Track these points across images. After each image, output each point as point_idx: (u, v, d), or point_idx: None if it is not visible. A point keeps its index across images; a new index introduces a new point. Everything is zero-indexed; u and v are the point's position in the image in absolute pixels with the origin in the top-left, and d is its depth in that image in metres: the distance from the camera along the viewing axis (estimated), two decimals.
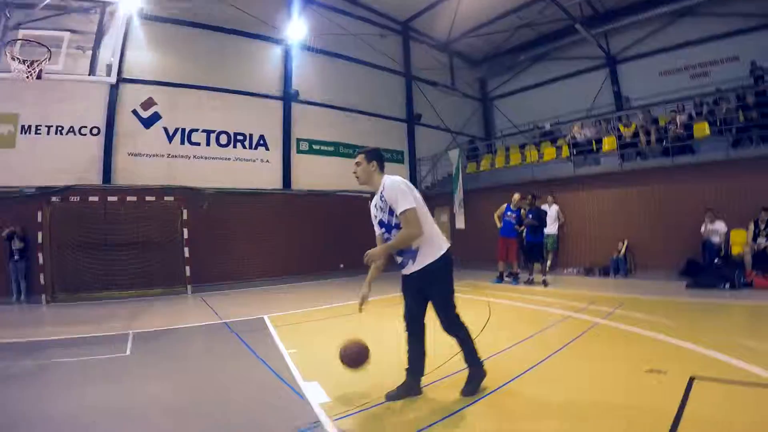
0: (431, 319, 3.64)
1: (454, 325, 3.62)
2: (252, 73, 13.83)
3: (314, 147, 15.01)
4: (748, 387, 3.52)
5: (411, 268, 3.54)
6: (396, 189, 3.38)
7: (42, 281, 10.19)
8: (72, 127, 11.39)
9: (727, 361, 4.15)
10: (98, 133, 11.66)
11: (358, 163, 3.61)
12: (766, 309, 6.96)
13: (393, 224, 3.47)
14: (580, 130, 13.53)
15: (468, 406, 3.41)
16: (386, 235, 3.56)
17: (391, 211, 3.43)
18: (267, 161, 13.90)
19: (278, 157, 14.10)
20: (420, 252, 3.47)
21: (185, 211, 11.49)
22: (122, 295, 10.64)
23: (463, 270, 12.49)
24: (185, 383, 4.31)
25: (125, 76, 11.75)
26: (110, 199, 10.86)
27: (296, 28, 14.06)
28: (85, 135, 11.53)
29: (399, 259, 3.59)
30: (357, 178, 3.65)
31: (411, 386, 3.67)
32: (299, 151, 14.61)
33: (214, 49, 13.16)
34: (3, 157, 10.86)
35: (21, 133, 11.04)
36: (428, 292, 3.58)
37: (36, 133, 11.12)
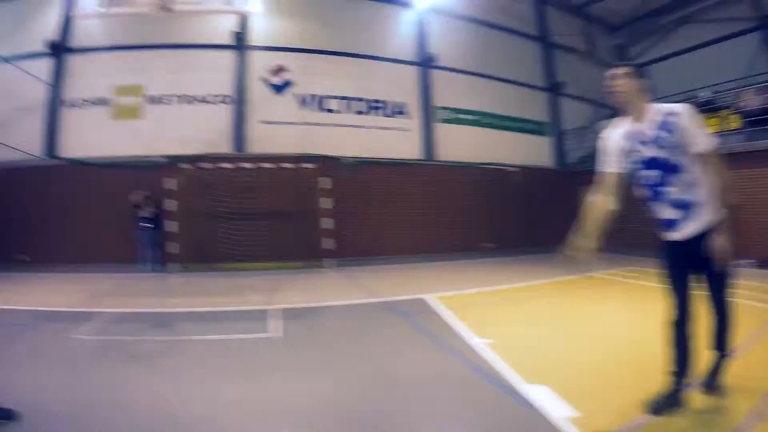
0: None
1: (729, 301, 2.76)
2: (386, 37, 13.26)
3: (456, 116, 14.09)
4: None
5: (687, 230, 2.64)
6: (696, 118, 2.58)
7: (174, 250, 10.39)
8: (200, 95, 11.60)
9: None
10: (228, 101, 11.74)
11: (621, 76, 2.70)
12: None
13: (681, 165, 2.59)
14: (755, 96, 11.27)
15: None
16: (659, 181, 2.66)
17: (677, 147, 2.56)
18: (407, 130, 13.26)
19: (418, 126, 13.39)
20: (701, 204, 2.57)
21: (324, 180, 11.15)
22: (257, 267, 10.31)
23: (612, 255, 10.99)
24: (351, 379, 3.38)
25: (253, 43, 11.72)
26: (244, 165, 10.77)
27: None
28: (214, 103, 11.67)
29: (668, 215, 2.68)
30: (618, 93, 2.72)
31: (677, 394, 2.71)
32: (440, 120, 13.75)
33: (345, 13, 12.78)
34: (132, 127, 11.48)
35: (148, 103, 11.55)
36: (711, 263, 2.60)
37: (163, 102, 11.50)
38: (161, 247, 10.74)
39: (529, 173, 14.26)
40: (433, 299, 6.48)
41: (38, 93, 12.02)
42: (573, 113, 16.90)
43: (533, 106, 15.92)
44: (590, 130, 15.64)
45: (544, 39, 16.64)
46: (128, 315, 5.93)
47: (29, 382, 3.31)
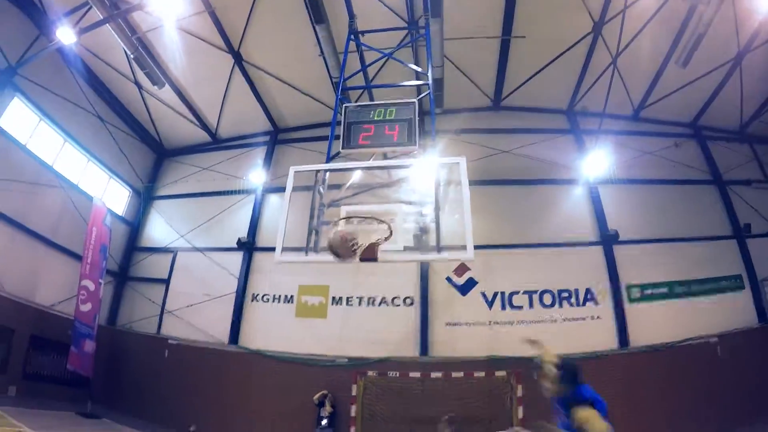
0: None
1: None
2: (563, 220, 12.98)
3: (646, 292, 12.78)
4: None
5: None
6: None
7: None
8: (384, 298, 11.89)
9: None
10: (412, 303, 11.88)
11: None
12: None
13: None
14: None
15: None
16: None
17: None
18: (598, 317, 12.21)
19: (609, 311, 12.30)
20: None
21: (519, 387, 10.29)
22: None
23: None
24: None
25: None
26: (434, 375, 10.43)
27: (595, 164, 13.03)
28: (398, 306, 11.87)
29: None
30: None
31: None
32: (631, 300, 12.57)
33: (518, 203, 12.97)
34: (316, 326, 12.00)
35: (332, 304, 12.08)
36: None
37: (347, 304, 11.92)
38: None
39: (731, 339, 12.18)
40: None
41: (228, 284, 13.39)
42: (765, 254, 14.76)
43: (723, 260, 13.99)
44: None
45: (717, 180, 15.18)
46: None
47: None
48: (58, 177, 13.14)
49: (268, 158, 15.37)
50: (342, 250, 3.96)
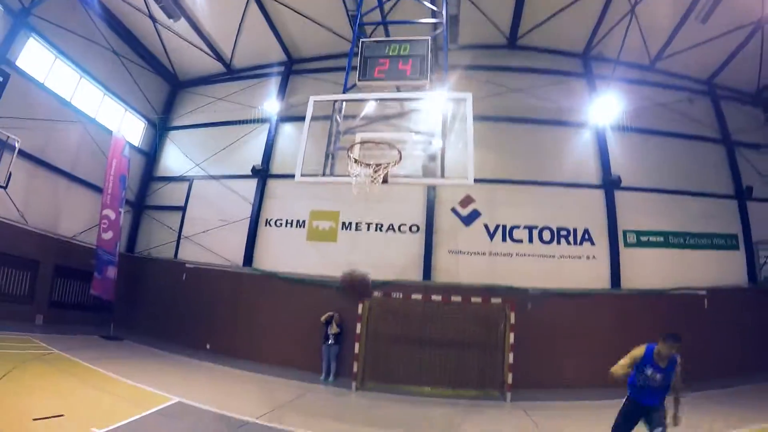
0: None
1: None
2: (568, 162, 13.20)
3: (642, 239, 13.19)
4: None
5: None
6: None
7: (354, 369, 10.80)
8: (391, 224, 12.43)
9: None
10: (417, 230, 12.41)
11: None
12: None
13: None
14: None
15: None
16: None
17: None
18: (593, 257, 12.67)
19: (605, 252, 12.74)
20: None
21: (510, 314, 10.83)
22: (433, 393, 10.59)
23: None
24: None
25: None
26: (434, 297, 11.04)
27: (605, 110, 13.18)
28: (404, 232, 12.41)
29: None
30: None
31: None
32: (627, 245, 12.98)
33: (526, 142, 13.15)
34: (327, 249, 12.66)
35: (342, 229, 12.70)
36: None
37: (356, 229, 12.48)
38: (339, 362, 11.38)
39: (719, 295, 12.61)
40: None
41: (242, 210, 14.13)
42: (764, 219, 14.82)
43: (720, 217, 14.32)
44: None
45: (725, 140, 15.22)
46: None
47: None
48: (75, 112, 13.53)
49: (282, 88, 15.53)
50: (355, 288, 4.54)
